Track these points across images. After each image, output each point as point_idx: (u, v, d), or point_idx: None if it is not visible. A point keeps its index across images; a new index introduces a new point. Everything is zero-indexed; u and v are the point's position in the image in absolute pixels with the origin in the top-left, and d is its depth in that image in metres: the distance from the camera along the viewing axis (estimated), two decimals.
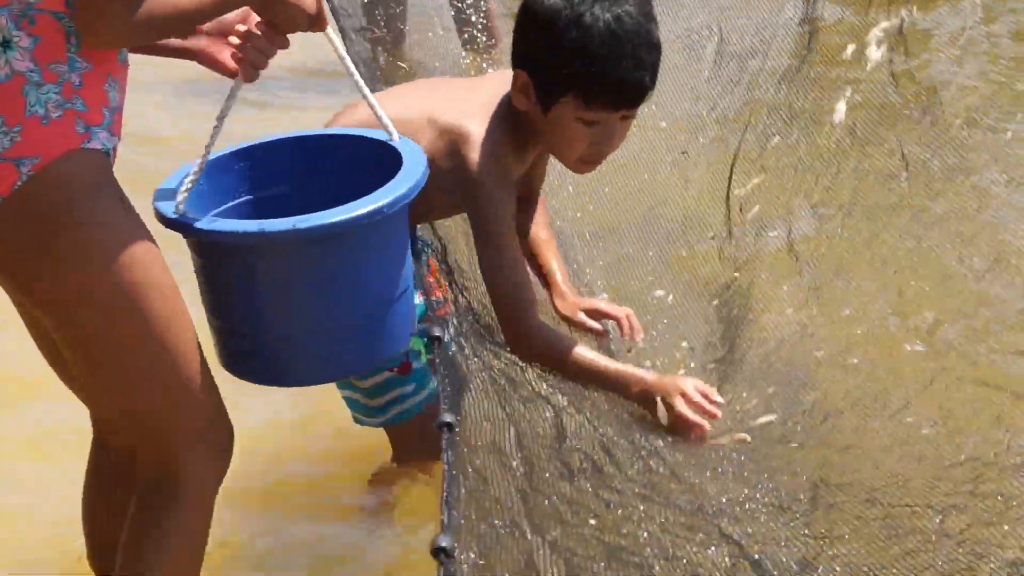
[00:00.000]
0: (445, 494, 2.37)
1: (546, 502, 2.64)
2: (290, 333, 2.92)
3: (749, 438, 3.14)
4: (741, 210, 3.80)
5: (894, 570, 2.47)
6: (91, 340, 2.76)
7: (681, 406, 3.15)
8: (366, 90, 3.08)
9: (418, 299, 3.46)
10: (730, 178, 3.94)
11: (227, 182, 3.05)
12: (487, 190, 3.24)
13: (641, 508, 2.72)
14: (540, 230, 3.63)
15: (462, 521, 2.33)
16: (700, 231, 3.98)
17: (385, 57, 4.78)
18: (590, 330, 3.47)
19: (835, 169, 3.80)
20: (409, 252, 3.13)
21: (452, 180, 3.27)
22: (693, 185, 4.01)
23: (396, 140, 3.12)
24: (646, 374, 3.24)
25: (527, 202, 3.63)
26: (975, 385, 3.15)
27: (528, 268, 3.40)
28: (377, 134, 3.16)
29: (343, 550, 3.66)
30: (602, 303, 3.55)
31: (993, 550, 2.49)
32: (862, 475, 2.89)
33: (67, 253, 2.68)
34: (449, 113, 3.35)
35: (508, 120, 3.31)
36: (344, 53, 3.02)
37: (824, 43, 4.12)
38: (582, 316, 3.51)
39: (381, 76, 4.38)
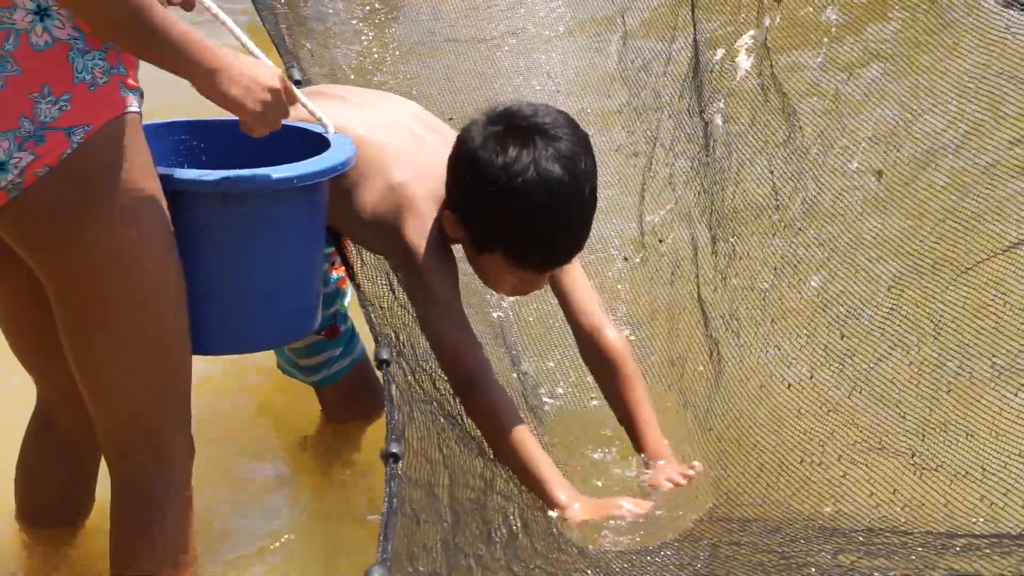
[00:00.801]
0: (384, 524, 2.40)
1: (463, 561, 2.67)
2: (196, 293, 2.96)
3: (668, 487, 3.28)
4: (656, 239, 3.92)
5: None
6: (112, 303, 2.78)
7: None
8: (301, 96, 3.12)
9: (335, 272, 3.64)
10: (641, 200, 4.03)
11: (155, 149, 2.97)
12: (421, 255, 3.25)
13: None
14: (625, 391, 3.54)
15: (395, 557, 2.35)
16: (606, 248, 4.09)
17: (288, 34, 4.72)
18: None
19: (720, 194, 3.86)
20: (323, 241, 3.24)
21: (388, 235, 3.31)
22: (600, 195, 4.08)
23: (331, 134, 3.19)
24: (569, 503, 3.15)
25: (581, 323, 3.55)
26: (860, 451, 3.27)
27: (472, 331, 3.31)
28: (314, 127, 3.22)
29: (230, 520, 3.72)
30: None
31: (881, 571, 2.66)
32: (759, 537, 3.09)
33: (114, 213, 2.72)
34: (408, 168, 3.36)
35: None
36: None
37: (703, 50, 4.05)
38: (665, 485, 3.39)
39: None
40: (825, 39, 3.66)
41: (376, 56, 5.29)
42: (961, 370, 3.32)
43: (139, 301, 2.79)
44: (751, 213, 3.81)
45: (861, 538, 3.02)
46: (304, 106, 3.14)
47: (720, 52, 3.96)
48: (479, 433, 3.27)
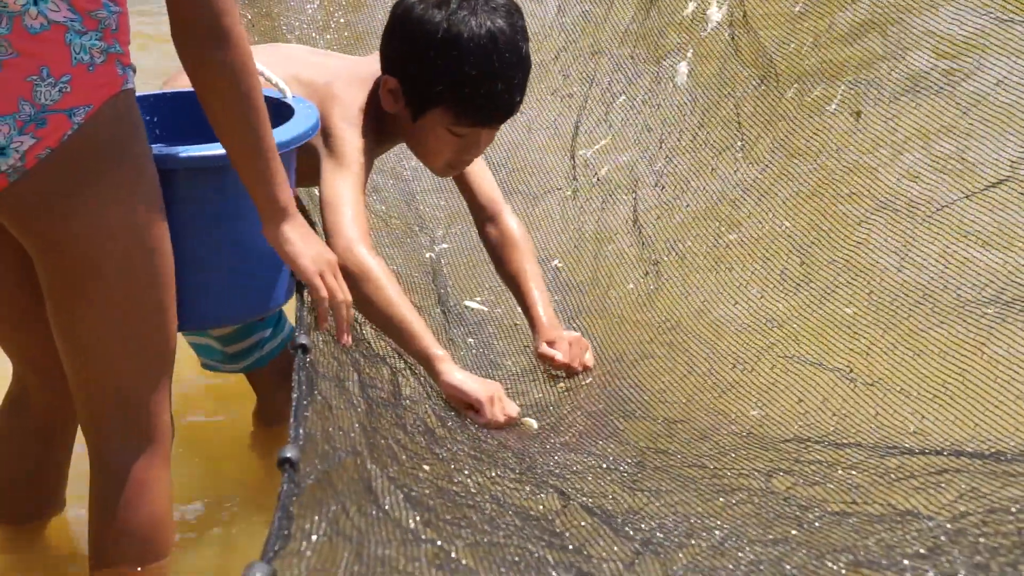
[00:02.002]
0: (295, 410, 2.42)
1: (383, 442, 2.71)
2: (180, 269, 2.96)
3: (535, 426, 3.25)
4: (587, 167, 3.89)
5: (719, 519, 2.56)
6: (107, 278, 2.78)
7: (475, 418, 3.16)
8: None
9: None
10: (574, 136, 4.02)
11: None
12: (346, 126, 3.31)
13: (470, 463, 2.89)
14: (526, 262, 3.61)
15: (308, 439, 2.41)
16: (545, 183, 4.05)
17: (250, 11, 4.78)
18: (551, 361, 3.46)
19: (676, 135, 3.89)
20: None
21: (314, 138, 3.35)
22: (535, 137, 4.07)
23: (289, 98, 3.25)
24: (440, 355, 3.17)
25: (483, 211, 3.68)
26: (799, 363, 3.30)
27: (365, 208, 3.32)
28: (269, 92, 3.25)
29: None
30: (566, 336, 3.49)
31: (818, 503, 2.59)
32: (689, 446, 3.10)
33: (114, 189, 2.73)
34: (320, 74, 3.46)
35: (375, 103, 3.41)
36: None
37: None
38: (543, 347, 3.47)
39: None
40: None
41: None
42: (923, 301, 3.34)
43: (133, 276, 2.80)
44: (712, 151, 3.80)
45: (791, 451, 2.96)
46: (263, 74, 3.20)
47: (692, 5, 4.01)
48: (381, 346, 3.30)
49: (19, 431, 3.17)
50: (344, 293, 2.99)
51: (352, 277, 3.13)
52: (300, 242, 2.92)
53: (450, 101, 3.27)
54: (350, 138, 3.33)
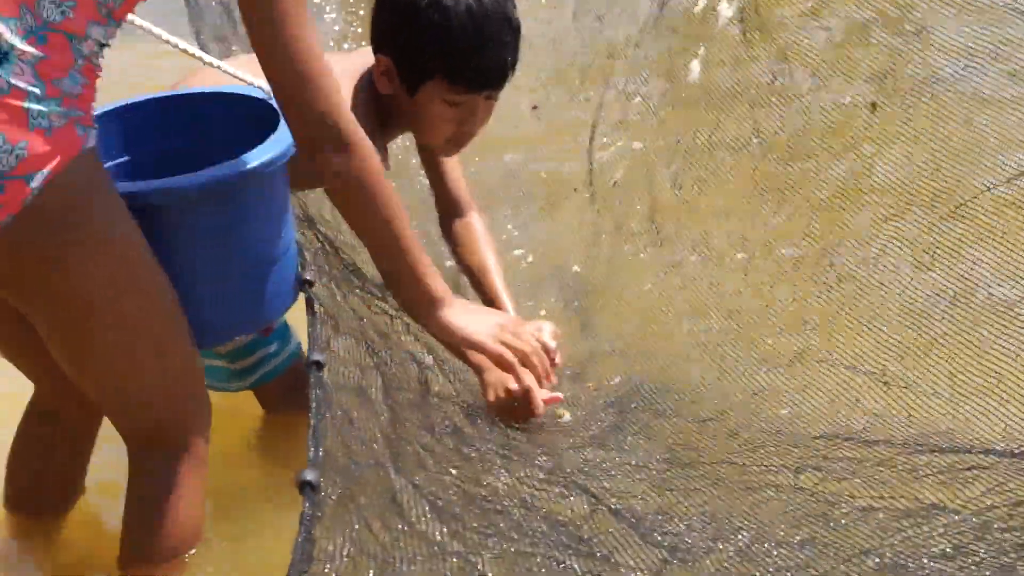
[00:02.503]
0: (313, 430, 2.41)
1: (408, 448, 2.77)
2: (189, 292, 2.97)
3: (568, 417, 3.25)
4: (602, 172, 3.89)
5: (749, 518, 2.56)
6: (102, 327, 2.79)
7: (495, 395, 3.11)
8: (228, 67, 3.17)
9: None
10: (592, 138, 4.02)
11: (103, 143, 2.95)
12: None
13: (499, 463, 2.88)
14: (488, 255, 3.63)
15: (328, 457, 2.40)
16: (563, 188, 4.05)
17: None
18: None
19: (692, 135, 3.88)
20: (291, 213, 3.21)
21: None
22: (554, 139, 4.06)
23: (272, 99, 3.15)
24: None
25: (452, 207, 3.70)
26: (833, 366, 3.30)
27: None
28: (250, 91, 3.24)
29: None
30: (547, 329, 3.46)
31: (845, 499, 2.60)
32: (718, 443, 3.03)
33: (88, 243, 2.71)
34: None
35: (370, 95, 3.41)
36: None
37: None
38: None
39: (236, 39, 4.33)
40: None
41: None
42: (958, 300, 3.33)
43: (136, 323, 2.81)
44: (728, 149, 3.80)
45: (820, 447, 2.97)
46: (236, 76, 3.18)
47: (702, 2, 4.00)
48: (411, 342, 3.28)
49: (48, 436, 3.20)
50: (532, 344, 2.97)
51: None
52: (469, 324, 2.90)
53: (443, 69, 3.27)
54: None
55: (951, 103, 3.53)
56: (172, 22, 3.97)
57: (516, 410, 3.11)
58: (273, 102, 3.10)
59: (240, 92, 3.27)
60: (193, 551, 2.99)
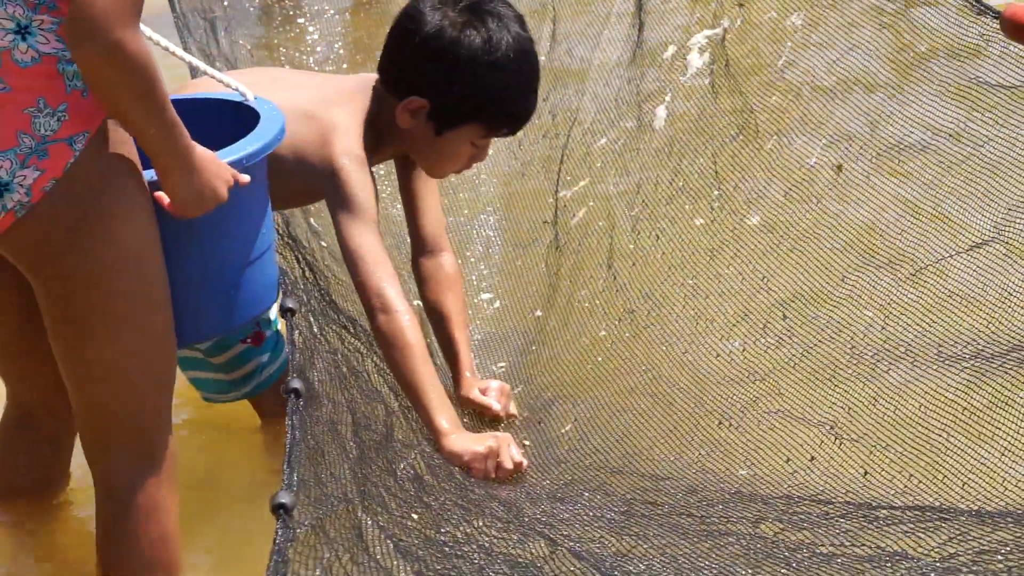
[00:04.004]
0: (288, 454, 2.45)
1: (373, 489, 2.77)
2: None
3: (525, 463, 3.26)
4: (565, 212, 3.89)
5: (709, 558, 2.56)
6: (117, 304, 2.78)
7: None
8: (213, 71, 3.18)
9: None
10: (557, 179, 4.03)
11: None
12: (350, 170, 3.34)
13: (458, 512, 2.88)
14: (455, 308, 3.64)
15: (302, 484, 2.40)
16: (533, 227, 4.05)
17: (226, 37, 4.80)
18: (487, 410, 3.51)
19: (654, 181, 3.89)
20: (270, 212, 3.19)
21: (317, 165, 3.37)
22: (528, 181, 4.08)
23: (252, 100, 3.20)
24: (446, 428, 3.21)
25: (427, 244, 3.68)
26: (784, 419, 3.30)
27: (385, 248, 3.39)
28: (230, 96, 3.22)
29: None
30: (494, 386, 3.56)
31: (807, 545, 2.61)
32: (676, 498, 3.08)
33: (117, 214, 2.73)
34: (315, 102, 3.46)
35: (367, 119, 3.45)
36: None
37: (649, 41, 4.16)
38: (476, 394, 3.52)
39: (220, 56, 4.40)
40: (789, 43, 3.74)
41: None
42: (905, 356, 3.35)
43: (138, 303, 2.81)
44: (688, 197, 3.80)
45: (780, 505, 2.97)
46: (219, 79, 3.19)
47: (671, 49, 4.02)
48: (381, 384, 3.34)
49: (19, 450, 3.19)
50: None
51: (385, 339, 3.24)
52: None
53: (486, 118, 3.38)
54: (358, 178, 3.34)
55: (918, 168, 3.55)
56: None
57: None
58: (254, 105, 3.16)
59: (222, 98, 3.25)
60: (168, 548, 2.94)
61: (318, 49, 5.55)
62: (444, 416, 3.22)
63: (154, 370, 2.86)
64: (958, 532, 2.57)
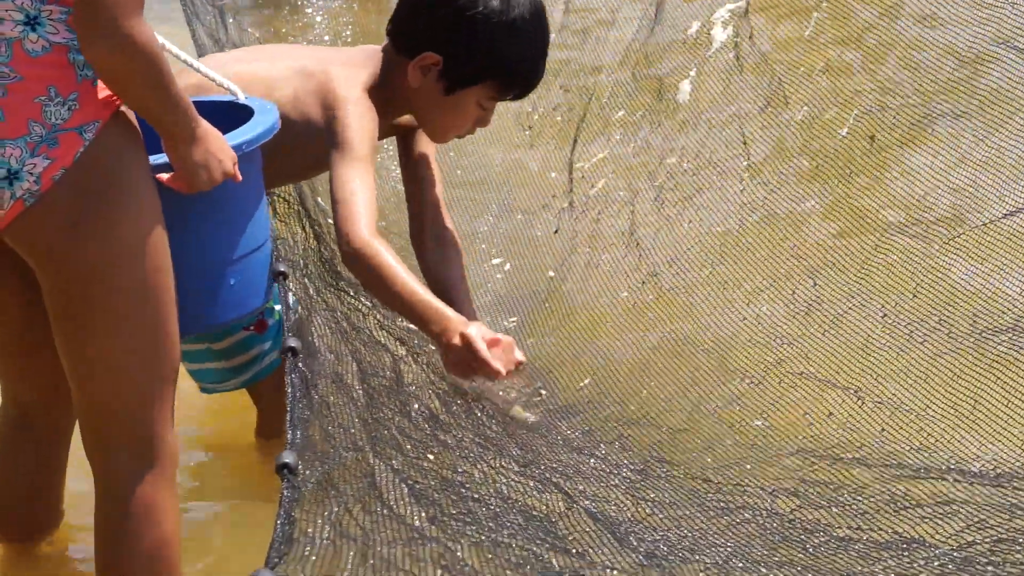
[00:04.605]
0: (290, 414, 2.43)
1: (386, 432, 2.72)
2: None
3: (532, 418, 3.22)
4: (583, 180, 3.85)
5: (725, 535, 2.53)
6: (123, 296, 2.77)
7: (448, 356, 3.20)
8: (205, 68, 3.16)
9: None
10: (572, 149, 3.98)
11: None
12: (352, 108, 3.33)
13: (475, 452, 2.82)
14: (457, 277, 3.63)
15: (306, 441, 2.39)
16: (543, 198, 3.99)
17: (235, 25, 4.81)
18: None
19: (679, 153, 3.85)
20: (266, 206, 3.17)
21: (320, 120, 3.35)
22: (538, 152, 4.03)
23: (243, 99, 3.18)
24: (456, 321, 3.20)
25: (428, 216, 3.66)
26: (805, 379, 3.25)
27: (373, 190, 3.34)
28: (225, 98, 3.21)
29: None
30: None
31: (823, 527, 2.56)
32: (692, 456, 2.99)
33: (126, 205, 2.72)
34: (315, 62, 3.44)
35: (374, 85, 3.42)
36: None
37: (671, 16, 4.15)
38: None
39: (228, 43, 4.38)
40: (815, 14, 3.74)
41: None
42: (940, 327, 3.29)
43: (143, 296, 2.80)
44: (716, 171, 3.77)
45: (795, 465, 2.91)
46: (210, 77, 3.20)
47: (695, 25, 4.00)
48: (383, 336, 3.30)
49: (17, 450, 3.15)
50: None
51: (364, 273, 3.19)
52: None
53: (499, 77, 3.38)
54: (356, 123, 3.32)
55: (950, 138, 3.53)
56: (170, 27, 3.94)
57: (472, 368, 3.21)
58: (247, 102, 3.17)
59: (215, 100, 3.26)
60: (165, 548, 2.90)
61: (325, 38, 5.54)
62: (450, 312, 3.22)
63: (156, 369, 2.83)
64: (976, 520, 2.52)
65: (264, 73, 3.42)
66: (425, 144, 3.68)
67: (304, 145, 3.36)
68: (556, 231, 3.92)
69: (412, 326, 3.29)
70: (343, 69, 3.42)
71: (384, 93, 3.43)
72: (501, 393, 3.21)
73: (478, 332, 3.15)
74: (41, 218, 2.67)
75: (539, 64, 3.43)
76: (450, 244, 3.65)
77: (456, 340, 3.14)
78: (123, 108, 2.73)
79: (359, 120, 3.33)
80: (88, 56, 2.61)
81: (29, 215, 2.67)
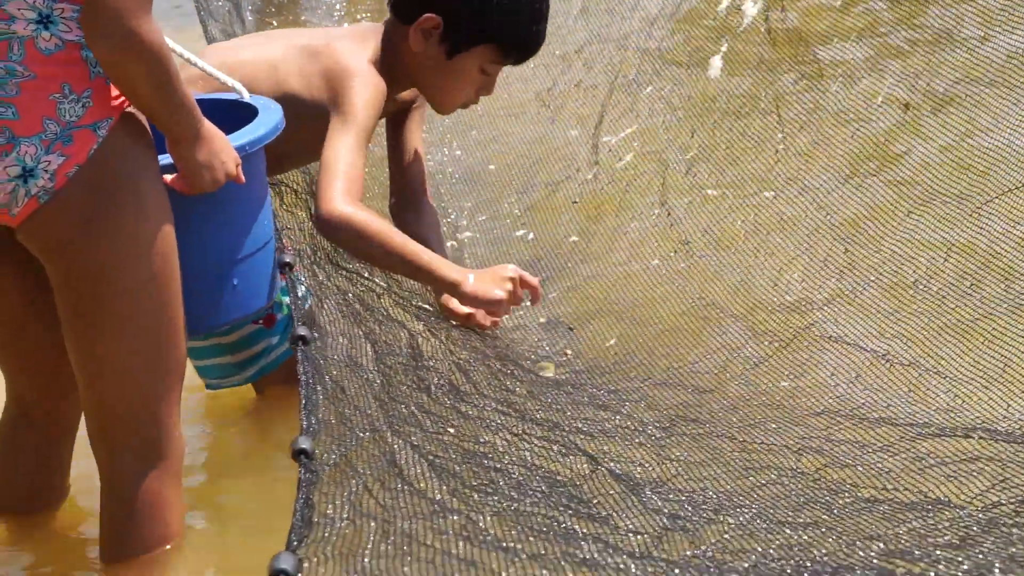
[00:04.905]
0: (303, 401, 2.42)
1: (404, 409, 2.71)
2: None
3: (551, 372, 3.22)
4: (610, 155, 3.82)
5: (750, 496, 2.51)
6: (131, 294, 2.76)
7: (455, 301, 3.25)
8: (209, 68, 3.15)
9: None
10: (599, 124, 3.96)
11: None
12: (360, 80, 3.31)
13: (498, 420, 2.79)
14: (435, 240, 3.62)
15: (322, 425, 2.39)
16: (565, 170, 3.99)
17: (253, 16, 4.81)
18: (465, 319, 3.40)
19: (711, 126, 3.82)
20: (269, 206, 3.14)
21: (326, 95, 3.33)
22: (560, 127, 4.01)
23: (247, 97, 3.16)
24: (458, 277, 3.22)
25: (409, 189, 3.66)
26: (834, 343, 3.22)
27: (362, 169, 3.32)
28: (229, 96, 3.19)
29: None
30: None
31: (848, 487, 2.54)
32: (718, 415, 2.97)
33: (137, 203, 2.72)
34: (318, 39, 3.44)
35: (377, 53, 3.41)
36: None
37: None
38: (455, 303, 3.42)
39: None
40: None
41: None
42: (971, 291, 3.24)
43: (152, 293, 2.80)
44: (751, 142, 3.73)
45: (821, 424, 2.87)
46: (215, 76, 3.18)
47: (725, 2, 3.98)
48: (399, 313, 3.29)
49: (18, 448, 3.13)
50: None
51: (353, 239, 3.17)
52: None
53: (499, 38, 3.34)
54: (360, 93, 3.30)
55: (983, 104, 3.49)
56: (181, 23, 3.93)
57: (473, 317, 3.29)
58: (251, 100, 3.16)
59: (219, 98, 3.23)
60: (169, 546, 2.91)
61: (345, 25, 5.52)
62: (450, 268, 3.21)
63: (163, 367, 2.82)
64: (1000, 478, 2.48)
65: (268, 54, 3.41)
66: (414, 123, 3.67)
67: (310, 123, 3.34)
68: (575, 202, 3.89)
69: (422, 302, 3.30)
70: (347, 43, 3.41)
71: (388, 64, 3.42)
72: (528, 350, 3.18)
73: (488, 286, 3.21)
74: (55, 215, 2.67)
75: (539, 25, 3.39)
76: (429, 213, 3.64)
77: (471, 297, 3.18)
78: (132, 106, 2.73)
79: (366, 89, 3.31)
80: (94, 51, 2.61)
81: (43, 212, 2.67)
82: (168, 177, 2.81)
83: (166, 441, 2.84)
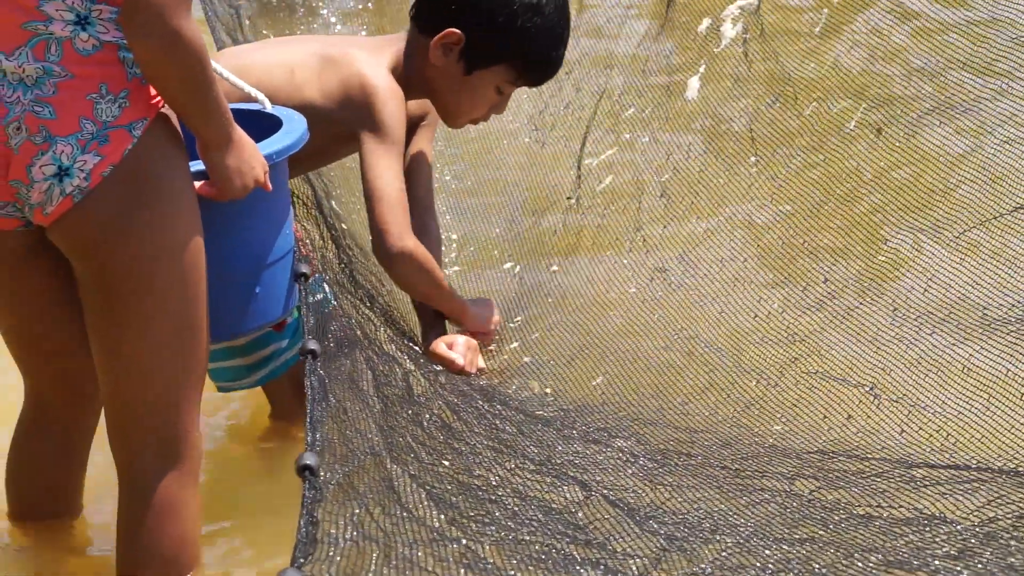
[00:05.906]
0: (310, 416, 2.45)
1: (401, 440, 2.74)
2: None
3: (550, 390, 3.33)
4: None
5: (745, 515, 2.53)
6: (160, 294, 2.77)
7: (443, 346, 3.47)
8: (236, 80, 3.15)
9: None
10: (582, 147, 3.97)
11: None
12: (384, 94, 3.38)
13: (490, 456, 2.83)
14: (433, 250, 3.66)
15: (326, 443, 2.41)
16: (550, 200, 3.99)
17: (251, 26, 4.84)
18: (451, 364, 3.51)
19: (686, 148, 3.83)
20: (291, 216, 3.16)
21: (341, 103, 3.40)
22: (547, 150, 4.03)
23: (270, 108, 3.17)
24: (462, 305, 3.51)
25: (415, 206, 3.66)
26: (823, 380, 3.23)
27: (402, 181, 3.46)
28: (252, 106, 3.20)
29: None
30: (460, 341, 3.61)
31: (843, 506, 2.56)
32: (710, 451, 2.98)
33: (169, 203, 2.73)
34: (335, 48, 3.48)
35: (396, 63, 3.47)
36: None
37: (680, 14, 4.14)
38: (443, 348, 3.56)
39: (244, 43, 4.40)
40: (826, 10, 3.72)
41: None
42: (949, 319, 3.27)
43: (180, 294, 2.81)
44: (724, 165, 3.74)
45: (816, 460, 2.89)
46: (237, 85, 3.19)
47: (706, 22, 3.99)
48: (392, 349, 3.33)
49: (38, 451, 3.14)
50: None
51: (413, 273, 3.39)
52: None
53: (519, 60, 3.41)
54: (388, 108, 3.38)
55: (959, 130, 3.50)
56: None
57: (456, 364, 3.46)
58: (274, 111, 3.18)
59: (241, 109, 3.21)
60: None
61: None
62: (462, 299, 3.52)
63: (186, 369, 2.84)
64: (998, 495, 2.50)
65: (284, 58, 3.46)
66: (424, 140, 3.70)
67: (325, 127, 3.37)
68: (555, 233, 3.90)
69: (412, 343, 3.37)
70: (364, 53, 3.46)
71: (405, 75, 3.47)
72: (514, 392, 3.21)
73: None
74: (88, 214, 2.68)
75: (559, 50, 3.45)
76: (433, 237, 3.68)
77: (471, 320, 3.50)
78: (166, 109, 2.75)
79: (391, 102, 3.38)
80: (134, 51, 2.63)
81: (77, 211, 2.68)
82: (196, 184, 2.82)
83: (185, 442, 2.86)
